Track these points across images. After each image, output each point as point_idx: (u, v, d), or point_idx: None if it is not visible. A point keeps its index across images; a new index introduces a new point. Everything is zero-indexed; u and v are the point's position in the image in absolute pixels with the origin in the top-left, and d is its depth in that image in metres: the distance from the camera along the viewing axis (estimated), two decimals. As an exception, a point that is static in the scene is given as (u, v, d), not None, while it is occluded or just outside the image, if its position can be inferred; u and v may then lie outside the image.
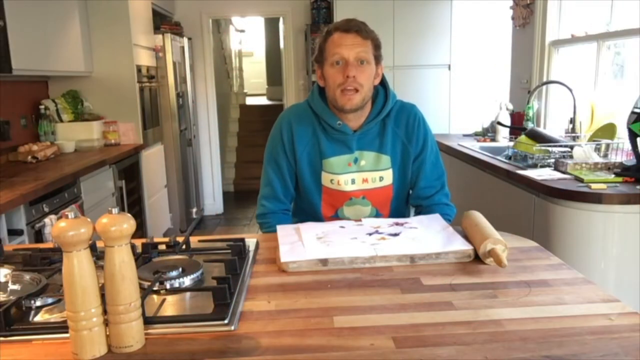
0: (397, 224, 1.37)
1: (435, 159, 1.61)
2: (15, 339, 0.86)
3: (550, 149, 2.45)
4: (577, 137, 2.66)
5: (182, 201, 4.62)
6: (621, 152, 2.28)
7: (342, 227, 1.37)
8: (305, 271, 1.14)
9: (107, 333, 0.83)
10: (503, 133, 3.20)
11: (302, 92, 5.30)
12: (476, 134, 3.52)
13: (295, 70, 5.33)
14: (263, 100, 9.15)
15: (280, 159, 1.59)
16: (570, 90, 2.77)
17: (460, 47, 4.73)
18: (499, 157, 2.67)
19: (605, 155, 2.34)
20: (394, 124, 1.56)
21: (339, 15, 4.43)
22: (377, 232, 1.31)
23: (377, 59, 1.49)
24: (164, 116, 4.41)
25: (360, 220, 1.43)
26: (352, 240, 1.26)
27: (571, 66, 3.28)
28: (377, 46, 1.48)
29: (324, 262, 1.15)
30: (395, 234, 1.29)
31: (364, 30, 1.45)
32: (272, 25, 8.77)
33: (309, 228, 1.36)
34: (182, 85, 4.65)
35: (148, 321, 0.88)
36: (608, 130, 2.45)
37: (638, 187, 1.94)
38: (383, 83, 1.58)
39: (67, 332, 0.82)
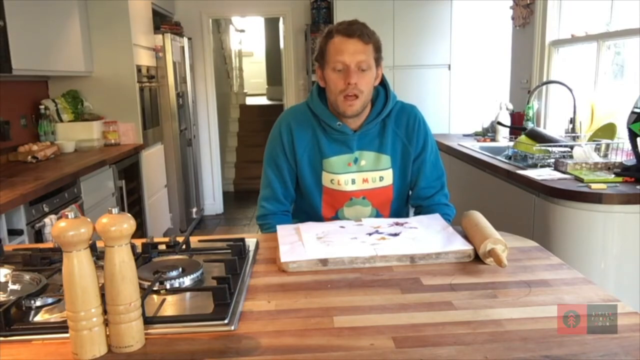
0: (397, 224, 1.37)
1: (435, 159, 1.61)
2: (15, 339, 0.86)
3: (550, 149, 2.45)
4: (577, 137, 2.65)
5: (182, 201, 4.62)
6: (621, 152, 2.28)
7: (342, 227, 1.37)
8: (305, 271, 1.14)
9: (107, 333, 0.83)
10: (503, 133, 3.20)
11: (302, 92, 5.30)
12: (476, 134, 3.51)
13: (295, 70, 5.33)
14: (263, 100, 9.14)
15: (280, 161, 1.59)
16: (570, 90, 2.77)
17: (460, 47, 4.72)
18: (499, 157, 2.67)
19: (605, 155, 2.34)
20: (394, 124, 1.57)
21: (339, 16, 4.43)
22: (377, 232, 1.31)
23: (378, 61, 1.50)
24: (164, 116, 4.41)
25: (360, 221, 1.43)
26: (352, 240, 1.26)
27: (571, 66, 3.28)
28: (377, 49, 1.49)
29: (324, 262, 1.15)
30: (395, 234, 1.29)
31: (365, 35, 1.44)
32: (272, 25, 8.77)
33: (309, 228, 1.36)
34: (182, 85, 4.65)
35: (148, 321, 0.88)
36: (608, 130, 2.45)
37: (638, 187, 1.93)
38: (383, 84, 1.59)
39: (67, 332, 0.81)
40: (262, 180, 1.65)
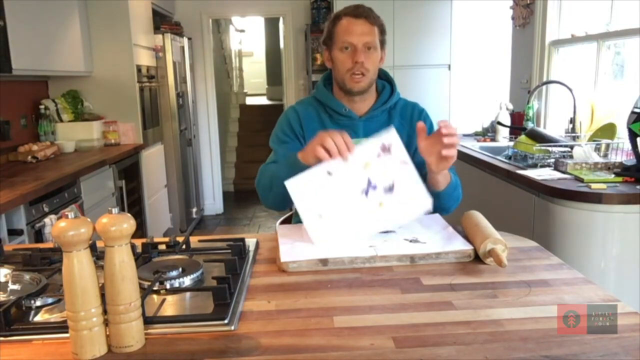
0: (383, 148, 1.31)
1: None
2: (15, 339, 0.86)
3: (550, 149, 2.45)
4: (577, 137, 2.65)
5: (182, 201, 4.62)
6: (621, 152, 2.28)
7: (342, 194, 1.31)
8: (305, 271, 1.14)
9: (107, 333, 0.83)
10: (503, 133, 3.20)
11: (302, 92, 5.30)
12: (476, 134, 3.51)
13: (295, 70, 5.33)
14: (263, 100, 9.15)
15: (287, 139, 1.59)
16: (570, 90, 2.77)
17: (460, 47, 4.72)
18: (499, 157, 2.67)
19: (605, 155, 2.34)
20: (400, 116, 1.63)
21: (339, 15, 4.42)
22: (372, 187, 1.28)
23: (382, 43, 1.56)
24: (164, 116, 4.41)
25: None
26: (353, 209, 1.26)
27: (571, 66, 3.28)
28: (382, 31, 1.55)
29: (324, 262, 1.15)
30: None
31: (371, 16, 1.52)
32: (272, 25, 8.77)
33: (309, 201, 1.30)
34: (182, 85, 4.65)
35: (148, 321, 0.88)
36: (608, 130, 2.45)
37: (638, 187, 1.93)
38: (389, 79, 1.65)
39: (67, 332, 0.81)
40: (268, 159, 1.62)
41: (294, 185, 1.28)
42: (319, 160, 1.27)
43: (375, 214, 1.28)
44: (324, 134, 1.27)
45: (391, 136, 1.30)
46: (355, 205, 1.28)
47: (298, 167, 1.34)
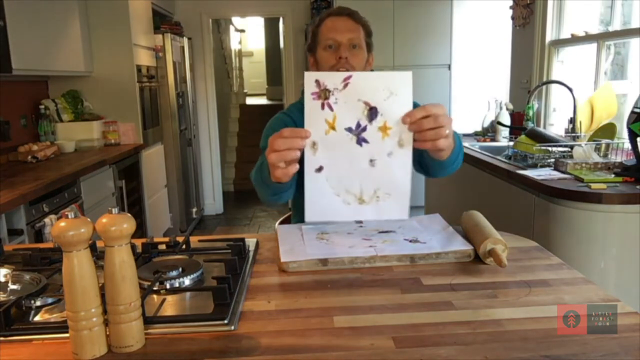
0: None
1: None
2: (15, 339, 0.86)
3: (550, 148, 2.45)
4: (577, 137, 2.65)
5: (182, 201, 4.62)
6: (621, 152, 2.29)
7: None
8: (305, 271, 1.14)
9: (107, 333, 0.83)
10: (503, 133, 3.20)
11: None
12: (476, 134, 3.52)
13: (295, 70, 5.33)
14: (263, 100, 9.16)
15: None
16: (570, 90, 2.77)
17: (460, 47, 4.73)
18: (499, 157, 2.67)
19: (605, 155, 2.34)
20: None
21: (339, 15, 4.43)
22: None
23: (369, 46, 1.51)
24: (164, 116, 4.42)
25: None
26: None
27: (571, 66, 3.28)
28: (368, 33, 1.51)
29: (324, 262, 1.15)
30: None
31: (356, 15, 1.49)
32: (272, 25, 8.78)
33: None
34: (182, 85, 4.66)
35: (148, 321, 0.88)
36: (608, 130, 2.45)
37: (638, 187, 1.93)
38: None
39: (67, 332, 0.81)
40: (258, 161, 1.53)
41: (314, 214, 1.14)
42: (297, 170, 1.13)
43: (390, 142, 1.08)
44: (269, 154, 1.10)
45: (310, 77, 1.10)
46: (369, 159, 1.09)
47: (279, 188, 1.27)
